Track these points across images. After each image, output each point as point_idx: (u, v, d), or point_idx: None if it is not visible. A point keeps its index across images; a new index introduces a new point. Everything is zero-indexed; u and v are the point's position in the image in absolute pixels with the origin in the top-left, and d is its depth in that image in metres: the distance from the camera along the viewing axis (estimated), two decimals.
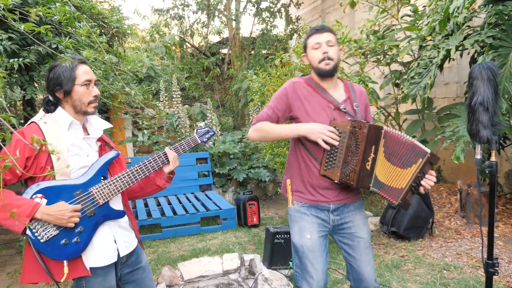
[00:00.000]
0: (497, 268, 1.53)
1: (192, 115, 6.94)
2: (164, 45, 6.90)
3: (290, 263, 3.49)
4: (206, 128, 2.23)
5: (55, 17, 1.92)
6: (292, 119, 2.10)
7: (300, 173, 2.09)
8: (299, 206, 2.08)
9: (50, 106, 1.84)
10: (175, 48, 7.62)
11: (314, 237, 2.03)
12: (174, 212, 4.83)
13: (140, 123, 5.26)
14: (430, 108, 5.22)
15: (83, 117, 1.89)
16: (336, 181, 1.94)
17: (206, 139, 2.21)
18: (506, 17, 2.94)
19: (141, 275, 2.05)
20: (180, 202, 5.25)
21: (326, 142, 1.92)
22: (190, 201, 5.28)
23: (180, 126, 6.12)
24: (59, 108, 1.84)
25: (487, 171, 1.54)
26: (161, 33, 7.83)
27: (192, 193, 5.69)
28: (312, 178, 2.04)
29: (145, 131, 5.74)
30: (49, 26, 1.73)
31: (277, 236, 3.49)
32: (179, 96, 6.20)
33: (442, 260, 3.57)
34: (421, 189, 1.94)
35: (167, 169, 2.02)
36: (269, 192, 6.41)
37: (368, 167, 1.87)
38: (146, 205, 5.20)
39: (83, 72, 1.81)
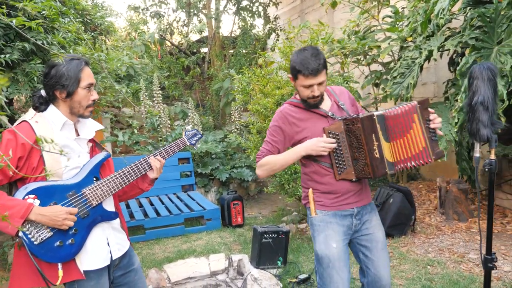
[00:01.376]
0: (495, 263, 1.57)
1: (171, 114, 6.85)
2: (143, 43, 6.79)
3: (279, 262, 3.50)
4: (193, 131, 2.23)
5: (43, 12, 1.85)
6: (297, 143, 2.09)
7: (319, 184, 2.08)
8: (323, 214, 2.06)
9: (41, 105, 1.77)
10: (154, 46, 7.50)
11: (339, 246, 2.02)
12: (157, 213, 4.76)
13: (130, 122, 5.14)
14: None
15: (76, 117, 1.83)
16: (353, 180, 1.98)
17: (194, 142, 2.21)
18: (488, 19, 3.03)
19: (134, 278, 2.02)
20: (163, 203, 5.18)
21: (329, 149, 1.98)
22: (173, 202, 5.21)
23: (161, 126, 6.03)
24: (52, 107, 1.77)
25: (486, 169, 1.58)
26: (139, 31, 7.69)
27: (174, 194, 5.62)
28: (331, 185, 2.05)
29: (125, 131, 5.62)
30: (40, 21, 1.66)
31: (265, 235, 3.49)
32: (160, 95, 6.11)
33: (426, 256, 3.66)
34: (438, 132, 1.95)
35: (152, 176, 1.99)
36: (252, 191, 6.41)
37: (377, 155, 1.88)
38: (128, 206, 5.10)
39: (87, 75, 1.77)
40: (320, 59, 1.94)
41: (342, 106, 2.10)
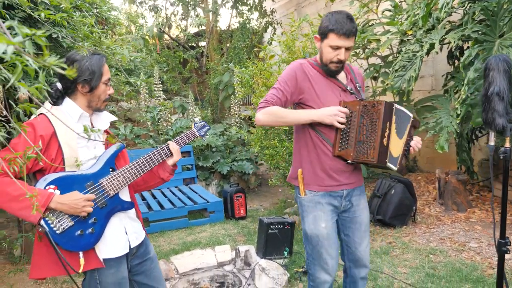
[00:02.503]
0: (509, 247, 1.63)
1: (172, 108, 6.87)
2: (142, 37, 6.77)
3: (285, 252, 3.55)
4: (202, 122, 2.27)
5: (62, 5, 1.86)
6: (301, 103, 2.04)
7: (311, 160, 2.06)
8: (313, 195, 2.07)
9: (58, 99, 1.79)
10: (153, 40, 7.49)
11: (328, 225, 2.07)
12: (161, 206, 4.79)
13: (143, 115, 5.14)
14: (408, 101, 5.40)
15: (92, 110, 1.86)
16: (349, 161, 1.97)
17: (203, 133, 2.25)
18: (490, 13, 3.08)
19: (150, 266, 2.06)
20: (166, 196, 5.21)
21: (341, 124, 1.95)
22: (175, 195, 5.24)
23: (161, 120, 6.04)
24: (68, 100, 1.80)
25: (501, 156, 1.64)
26: (138, 25, 7.67)
27: (176, 187, 5.65)
28: (324, 162, 2.03)
29: (127, 125, 5.64)
30: (65, 15, 1.68)
31: (271, 226, 3.54)
32: (160, 89, 6.12)
33: (428, 245, 3.74)
34: (412, 151, 2.03)
35: (170, 161, 2.03)
36: (252, 184, 6.45)
37: (385, 143, 1.91)
38: None
39: (107, 70, 1.82)
40: (355, 23, 1.91)
41: (359, 88, 2.09)
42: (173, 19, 8.29)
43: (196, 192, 5.28)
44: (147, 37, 7.05)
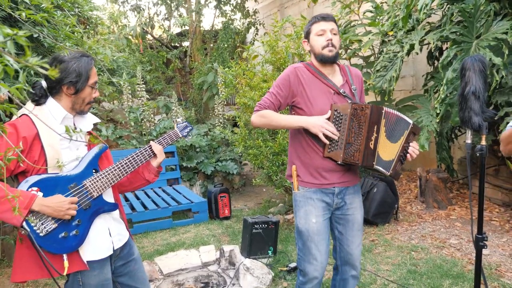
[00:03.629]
0: (486, 242, 1.69)
1: (156, 109, 6.82)
2: (125, 37, 6.71)
3: (269, 252, 3.57)
4: (185, 123, 2.27)
5: (43, 5, 1.84)
6: (294, 105, 2.13)
7: (303, 158, 2.13)
8: (305, 191, 2.13)
9: (41, 97, 1.77)
10: (136, 40, 7.42)
11: (319, 221, 2.11)
12: (145, 207, 4.75)
13: (125, 115, 5.09)
14: (390, 100, 5.49)
15: (75, 112, 1.85)
16: (339, 162, 2.03)
17: (186, 133, 2.24)
18: (468, 14, 3.16)
19: (134, 267, 2.05)
20: (149, 197, 5.17)
21: (326, 136, 2.00)
22: (159, 196, 5.21)
23: (144, 120, 6.00)
24: (51, 100, 1.77)
25: (478, 154, 1.69)
26: (120, 24, 7.59)
27: (160, 188, 5.61)
28: (316, 161, 2.09)
29: (108, 125, 5.57)
30: (45, 14, 1.66)
31: (256, 226, 3.55)
32: (143, 89, 6.07)
33: (409, 242, 3.81)
34: (408, 157, 2.08)
35: (155, 163, 2.03)
36: (236, 184, 6.46)
37: (372, 146, 1.96)
38: None
39: (94, 73, 1.80)
40: (330, 13, 2.11)
41: (354, 91, 2.14)
42: (156, 19, 8.22)
43: (180, 193, 5.26)
44: (130, 37, 6.99)
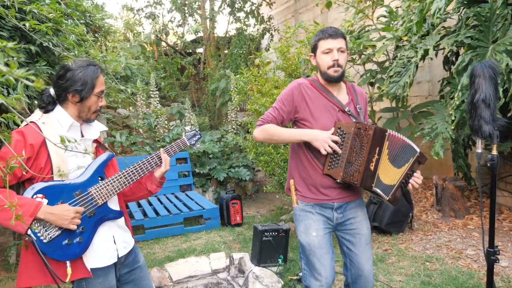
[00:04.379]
0: (498, 256, 1.62)
1: (167, 115, 6.86)
2: (139, 44, 6.78)
3: (279, 260, 3.53)
4: (193, 131, 2.27)
5: (51, 14, 1.86)
6: (297, 121, 2.11)
7: (302, 174, 2.11)
8: (304, 205, 2.11)
9: (49, 104, 1.79)
10: (151, 47, 7.51)
11: (320, 234, 2.07)
12: (157, 213, 4.77)
13: (135, 122, 5.15)
14: (405, 106, 5.40)
15: (82, 120, 1.86)
16: (338, 181, 1.99)
17: (194, 142, 2.24)
18: (483, 18, 3.08)
19: (139, 275, 2.06)
20: (162, 203, 5.19)
21: (327, 152, 1.97)
22: (171, 202, 5.22)
23: (158, 126, 6.04)
24: (59, 108, 1.79)
25: (489, 164, 1.63)
26: (135, 32, 7.69)
27: (172, 194, 5.63)
28: (315, 178, 2.07)
29: (122, 132, 5.63)
30: (50, 24, 1.68)
31: (266, 233, 3.51)
32: (157, 96, 6.12)
33: (424, 252, 3.71)
34: (410, 186, 2.04)
35: (158, 172, 2.02)
36: (249, 191, 6.43)
37: (372, 168, 1.92)
38: (127, 206, 5.10)
39: (101, 82, 1.81)
40: (338, 29, 2.04)
41: (358, 110, 2.12)
42: (170, 26, 8.31)
43: (192, 199, 5.26)
44: (144, 44, 7.06)
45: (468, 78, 1.63)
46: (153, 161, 1.99)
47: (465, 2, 3.73)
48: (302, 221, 2.11)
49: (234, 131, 6.53)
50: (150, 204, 5.22)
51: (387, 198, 1.97)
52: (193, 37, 9.13)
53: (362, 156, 1.92)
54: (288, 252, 3.72)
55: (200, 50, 8.91)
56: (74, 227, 1.66)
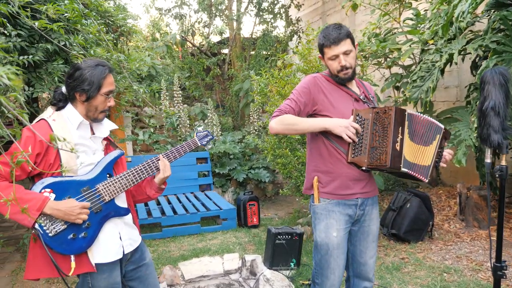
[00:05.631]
0: (505, 271, 1.54)
1: (191, 115, 6.94)
2: (165, 44, 6.90)
3: (292, 264, 3.50)
4: (205, 132, 2.26)
5: (66, 14, 1.92)
6: (316, 113, 2.08)
7: (326, 167, 2.07)
8: (326, 203, 2.07)
9: (60, 101, 1.84)
10: (176, 47, 7.61)
11: (340, 235, 2.06)
12: (174, 212, 4.83)
13: (147, 121, 5.25)
14: (431, 112, 5.25)
15: (90, 119, 1.89)
16: (364, 168, 1.97)
17: (205, 142, 2.23)
18: (511, 23, 2.96)
19: (145, 272, 2.07)
20: (180, 202, 5.25)
21: (350, 138, 1.96)
22: (190, 201, 5.27)
23: (180, 126, 6.11)
24: (70, 106, 1.84)
25: (497, 175, 1.56)
26: (162, 32, 7.82)
27: (191, 193, 5.68)
28: (340, 169, 2.04)
29: (146, 130, 5.74)
30: (61, 23, 1.73)
31: (279, 237, 3.49)
32: (180, 95, 6.20)
33: (442, 263, 3.59)
34: (442, 163, 2.01)
35: (157, 178, 2.01)
36: (269, 192, 6.42)
37: (398, 148, 1.89)
38: (146, 204, 5.19)
39: (109, 83, 1.84)
40: (341, 29, 1.99)
41: (372, 98, 2.14)
42: (197, 27, 8.40)
43: (210, 199, 5.29)
44: (170, 44, 7.17)
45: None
46: (153, 165, 2.00)
47: (495, 5, 3.59)
48: (323, 220, 2.07)
49: (256, 133, 6.53)
50: (169, 203, 5.29)
51: (427, 180, 1.95)
52: (219, 38, 9.21)
53: (387, 137, 1.89)
54: (302, 256, 3.69)
55: (225, 51, 8.97)
56: (80, 221, 1.70)
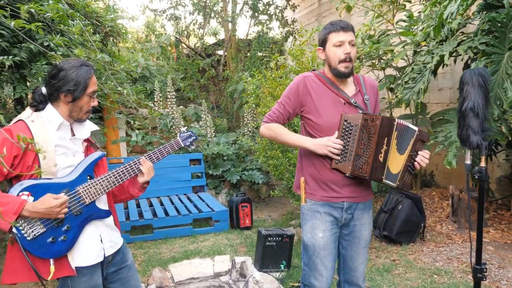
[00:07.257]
0: (485, 273, 1.53)
1: (186, 116, 6.92)
2: (159, 45, 6.88)
3: (282, 266, 3.48)
4: (188, 133, 2.25)
5: (48, 14, 1.91)
6: (303, 115, 2.09)
7: (311, 170, 2.07)
8: (312, 204, 2.06)
9: (40, 103, 1.81)
10: (170, 48, 7.59)
11: (326, 236, 2.04)
12: (166, 213, 4.81)
13: (132, 122, 5.23)
14: (424, 113, 5.25)
15: (73, 120, 1.87)
16: (347, 175, 1.95)
17: (188, 143, 2.22)
18: (499, 24, 2.95)
19: (127, 274, 2.05)
20: (173, 203, 5.23)
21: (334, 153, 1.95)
22: (182, 202, 5.25)
23: (174, 127, 6.09)
24: (50, 107, 1.81)
25: (476, 177, 1.55)
26: (157, 33, 7.80)
27: (184, 194, 5.66)
28: (324, 173, 2.03)
29: (138, 131, 5.72)
30: (40, 24, 1.71)
31: (269, 238, 3.48)
32: (174, 96, 6.19)
33: (433, 264, 3.58)
34: (417, 166, 1.98)
35: (141, 180, 2.00)
36: (262, 194, 6.40)
37: (381, 159, 1.88)
38: (138, 205, 5.16)
39: (94, 83, 1.83)
40: (349, 23, 2.01)
41: (366, 101, 2.07)
42: (192, 28, 8.38)
43: (203, 201, 5.27)
44: (164, 45, 7.15)
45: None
46: (135, 167, 1.98)
47: (486, 7, 3.58)
48: (309, 220, 2.07)
49: (250, 134, 6.52)
50: (161, 204, 5.27)
51: (395, 185, 1.94)
52: (214, 39, 9.19)
53: (370, 147, 1.88)
54: (293, 258, 3.67)
55: (220, 52, 8.95)
56: (62, 215, 1.68)
